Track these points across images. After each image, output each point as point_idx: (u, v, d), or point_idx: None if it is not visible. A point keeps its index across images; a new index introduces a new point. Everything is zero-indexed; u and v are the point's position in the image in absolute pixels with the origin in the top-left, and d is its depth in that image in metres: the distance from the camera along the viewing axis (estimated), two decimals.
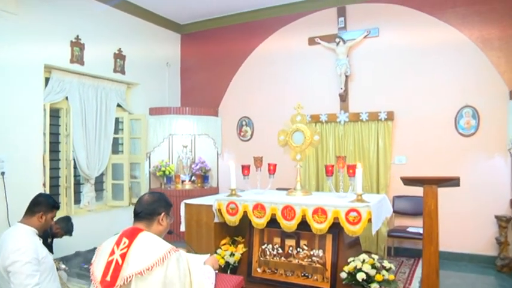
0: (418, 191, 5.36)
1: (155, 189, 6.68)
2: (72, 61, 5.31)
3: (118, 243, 2.09)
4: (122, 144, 6.30)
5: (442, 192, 5.36)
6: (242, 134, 7.00)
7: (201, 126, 6.82)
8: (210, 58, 7.30)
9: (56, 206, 3.06)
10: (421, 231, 5.11)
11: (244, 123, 6.99)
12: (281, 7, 6.56)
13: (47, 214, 2.94)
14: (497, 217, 4.98)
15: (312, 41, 6.37)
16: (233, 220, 4.37)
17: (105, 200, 6.07)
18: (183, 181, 6.79)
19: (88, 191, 5.67)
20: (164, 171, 6.56)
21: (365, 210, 3.70)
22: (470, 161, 5.25)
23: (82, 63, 5.45)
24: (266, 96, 6.77)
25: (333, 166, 4.38)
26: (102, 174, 5.95)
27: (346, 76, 5.99)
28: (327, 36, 6.20)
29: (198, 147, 7.24)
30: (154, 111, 6.63)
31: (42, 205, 2.93)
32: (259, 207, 4.20)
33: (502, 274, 4.86)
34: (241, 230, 4.89)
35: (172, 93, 7.22)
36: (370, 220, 3.70)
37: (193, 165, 6.96)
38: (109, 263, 2.04)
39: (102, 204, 6.01)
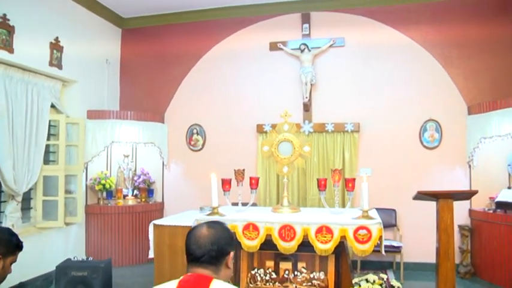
0: (385, 203, 5.48)
1: (93, 205, 5.69)
2: None
3: None
4: (55, 152, 5.23)
5: (407, 204, 5.45)
6: (192, 143, 6.36)
7: (147, 134, 6.03)
8: (155, 58, 6.54)
9: (20, 246, 2.14)
10: (393, 244, 5.14)
11: (195, 131, 6.37)
12: (240, 8, 6.15)
13: (6, 258, 2.04)
14: (459, 226, 5.18)
15: (273, 46, 6.07)
16: None
17: (34, 220, 4.95)
18: (125, 196, 5.91)
19: (13, 210, 4.53)
20: (104, 185, 5.62)
21: (376, 228, 3.45)
22: (434, 173, 5.42)
23: (11, 51, 4.36)
24: (221, 103, 6.27)
25: (325, 180, 4.08)
26: (30, 190, 4.84)
27: (311, 85, 5.81)
28: (290, 43, 5.97)
29: (140, 157, 6.40)
30: (93, 114, 5.68)
31: (2, 245, 2.02)
32: (251, 228, 3.70)
33: (465, 280, 5.04)
34: None
35: (112, 95, 6.29)
36: (380, 237, 3.46)
37: (135, 178, 6.12)
38: None
39: (30, 226, 4.88)
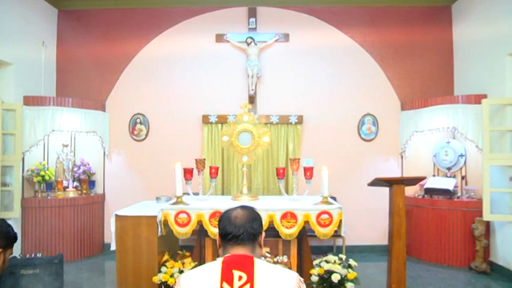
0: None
1: (30, 199, 5.28)
2: None
3: (228, 279, 1.57)
4: None
5: (346, 191, 5.89)
6: (136, 132, 6.18)
7: (88, 122, 5.72)
8: (95, 43, 6.21)
9: (16, 238, 2.00)
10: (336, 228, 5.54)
11: (138, 120, 6.19)
12: None
13: (6, 251, 1.91)
14: None
15: (219, 38, 6.13)
16: (184, 232, 3.82)
17: None
18: (65, 188, 5.57)
19: None
20: (43, 176, 5.24)
21: (336, 212, 3.75)
22: (370, 163, 5.93)
23: None
24: (165, 92, 6.18)
25: (284, 168, 4.29)
26: None
27: (257, 78, 5.98)
28: (236, 36, 6.09)
29: (78, 146, 6.07)
30: (31, 100, 5.25)
31: (1, 237, 1.87)
32: (217, 215, 3.78)
33: None
34: (172, 243, 4.35)
35: (48, 81, 5.85)
36: (340, 221, 3.76)
37: (75, 168, 5.79)
38: None
39: None
